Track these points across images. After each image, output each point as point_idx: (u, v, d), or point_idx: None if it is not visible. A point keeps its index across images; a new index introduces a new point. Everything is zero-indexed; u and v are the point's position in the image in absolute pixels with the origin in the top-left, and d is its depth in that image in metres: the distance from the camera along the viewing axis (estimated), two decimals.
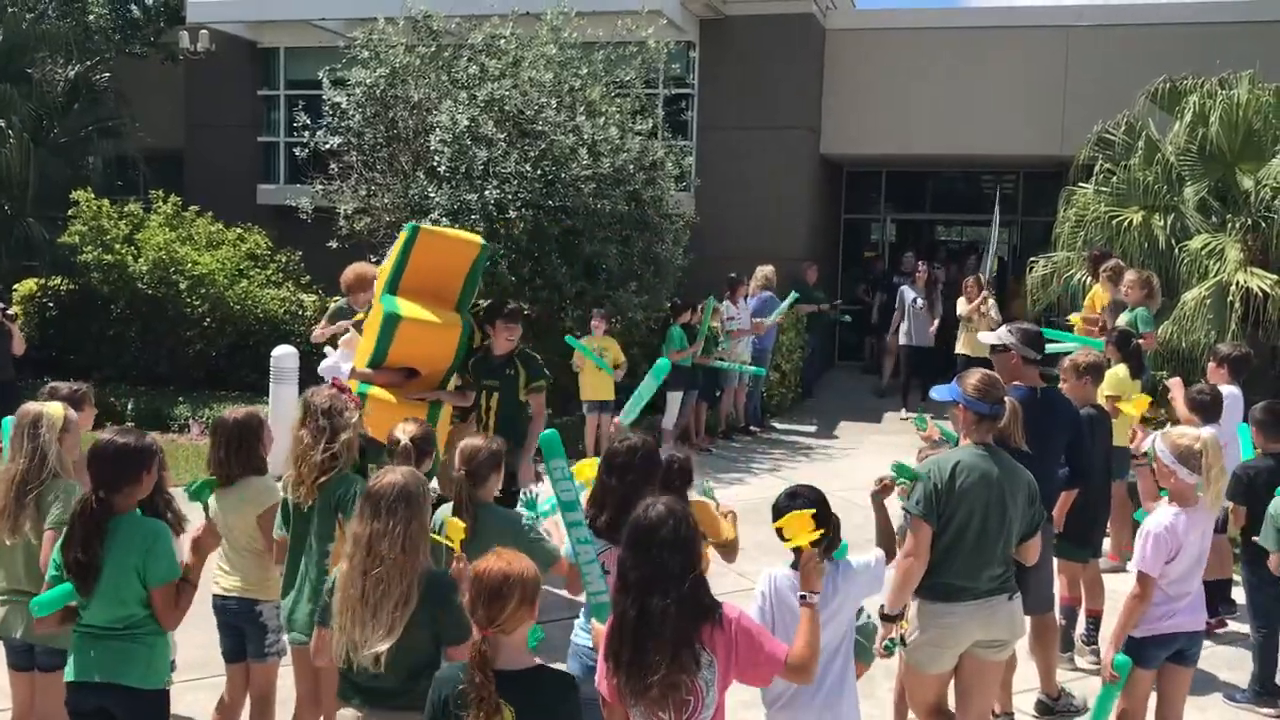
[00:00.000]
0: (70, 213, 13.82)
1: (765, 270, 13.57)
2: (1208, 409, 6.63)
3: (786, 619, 3.87)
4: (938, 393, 4.82)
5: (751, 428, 13.18)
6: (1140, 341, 8.32)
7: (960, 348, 13.31)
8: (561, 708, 3.22)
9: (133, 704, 4.03)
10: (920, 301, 14.49)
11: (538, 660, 3.30)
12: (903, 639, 4.52)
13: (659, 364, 7.16)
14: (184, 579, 4.12)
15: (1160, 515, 4.77)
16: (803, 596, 3.57)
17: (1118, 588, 7.14)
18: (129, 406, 12.74)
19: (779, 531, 3.80)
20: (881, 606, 4.66)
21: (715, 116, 15.98)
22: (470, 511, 4.29)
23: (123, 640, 4.01)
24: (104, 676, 3.99)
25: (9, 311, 10.84)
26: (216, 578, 4.94)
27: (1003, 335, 5.63)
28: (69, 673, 4.08)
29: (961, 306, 13.35)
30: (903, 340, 14.57)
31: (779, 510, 3.95)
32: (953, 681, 4.71)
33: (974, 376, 4.67)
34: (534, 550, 4.21)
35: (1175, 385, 7.28)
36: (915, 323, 14.44)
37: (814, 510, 3.72)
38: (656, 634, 3.25)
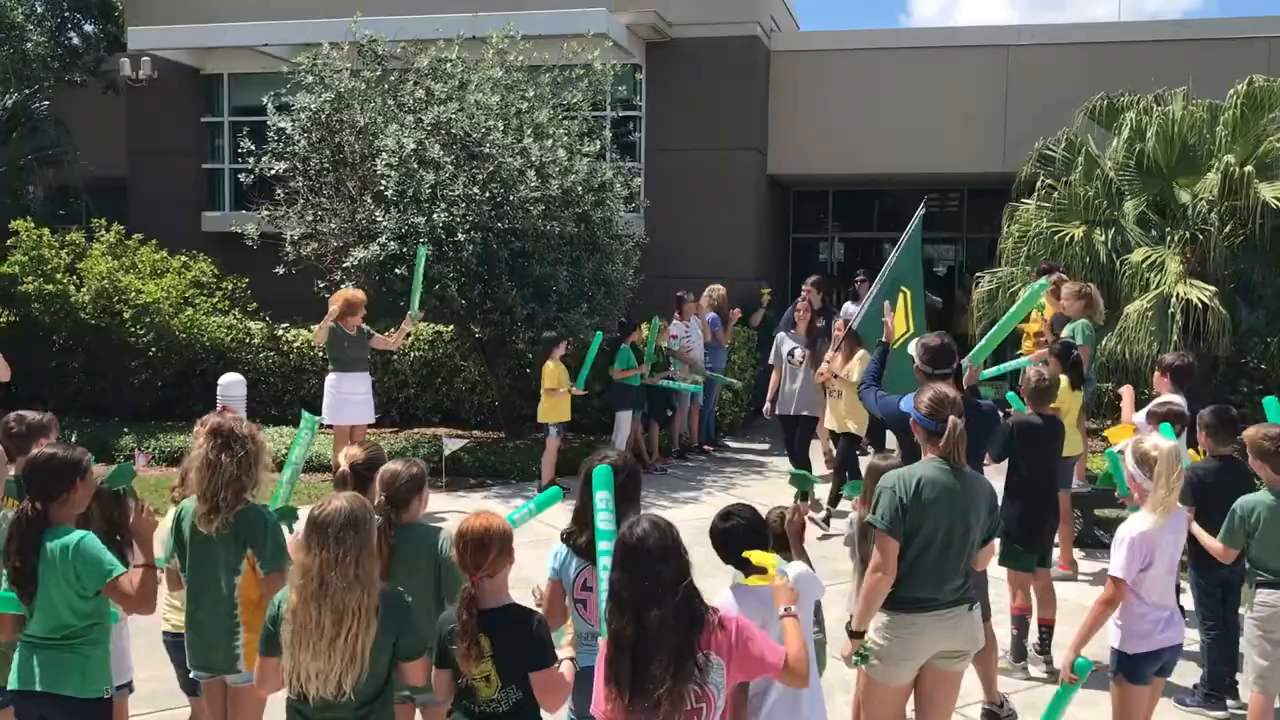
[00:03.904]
0: (10, 242, 13.60)
1: (716, 290, 13.63)
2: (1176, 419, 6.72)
3: (757, 621, 3.87)
4: (905, 404, 4.88)
5: (705, 446, 13.20)
6: (1078, 353, 8.48)
7: (827, 420, 9.94)
8: (532, 637, 3.62)
9: (71, 713, 4.06)
10: (799, 353, 10.38)
11: (512, 600, 3.73)
12: (867, 654, 4.51)
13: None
14: (138, 565, 4.14)
15: (1134, 521, 4.84)
16: (786, 610, 3.69)
17: (1068, 596, 7.24)
18: (73, 438, 12.45)
19: (745, 561, 3.92)
20: (848, 622, 4.67)
21: (662, 138, 16.06)
22: (391, 533, 4.25)
23: (60, 650, 4.07)
24: (43, 686, 4.05)
25: None
26: (166, 614, 4.82)
27: (911, 348, 5.86)
28: (11, 681, 4.13)
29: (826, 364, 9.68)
30: (779, 409, 10.61)
31: (717, 531, 4.10)
32: (912, 695, 4.72)
33: (929, 393, 4.70)
34: (448, 572, 4.21)
35: (1126, 394, 7.48)
36: (795, 383, 10.43)
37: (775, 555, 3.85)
38: (657, 647, 3.27)
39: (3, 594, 4.15)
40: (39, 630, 4.08)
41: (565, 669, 3.75)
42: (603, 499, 4.17)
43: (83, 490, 4.17)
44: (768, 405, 10.78)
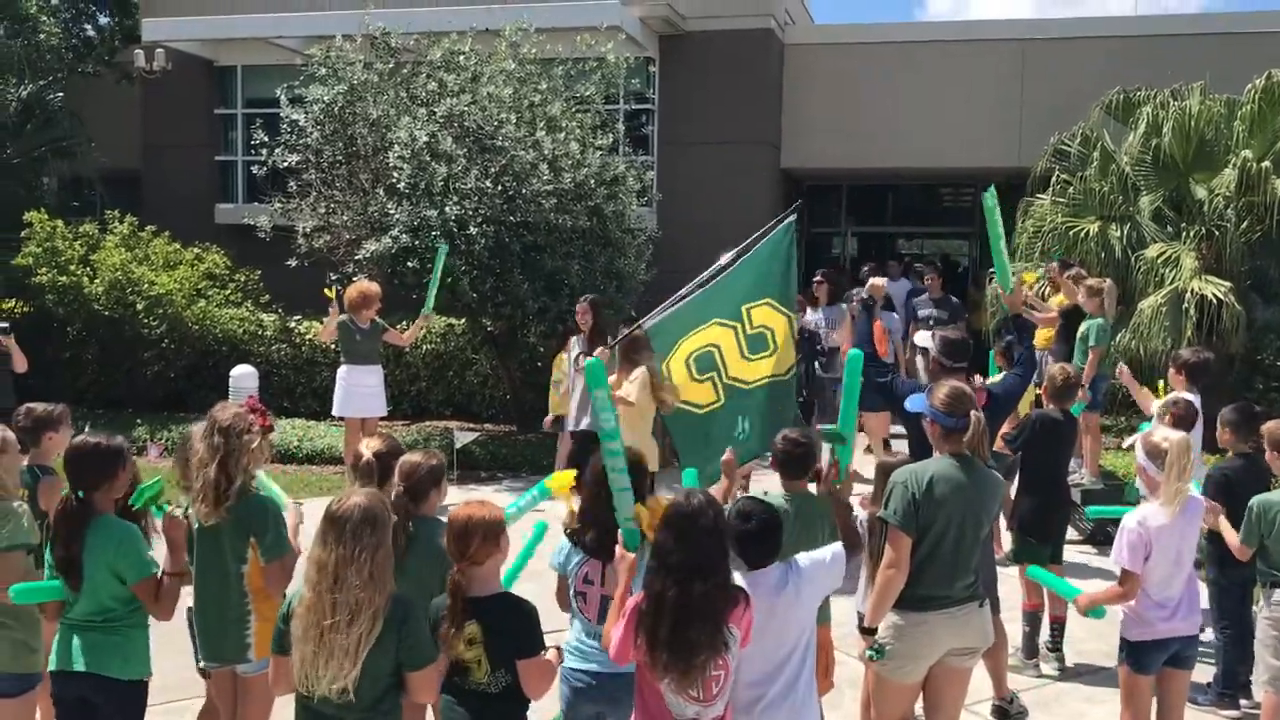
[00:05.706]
0: (23, 234, 13.64)
1: None
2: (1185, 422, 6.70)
3: (762, 611, 3.79)
4: (911, 403, 4.82)
5: None
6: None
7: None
8: (521, 624, 3.70)
9: (111, 693, 4.17)
10: (581, 360, 8.76)
11: (503, 589, 3.83)
12: (882, 648, 4.46)
13: None
14: (166, 573, 4.26)
15: (1136, 512, 4.85)
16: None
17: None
18: (86, 429, 12.51)
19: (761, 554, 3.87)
20: (860, 619, 4.62)
21: (676, 131, 16.00)
22: (407, 525, 4.22)
23: (102, 632, 4.19)
24: (85, 667, 4.15)
25: (3, 325, 10.12)
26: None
27: (926, 340, 5.82)
28: (52, 662, 4.25)
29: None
30: (571, 422, 9.20)
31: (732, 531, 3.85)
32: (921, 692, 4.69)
33: (943, 389, 4.60)
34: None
35: (1126, 376, 7.54)
36: (576, 393, 9.02)
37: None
38: (699, 617, 3.49)
39: (47, 583, 4.26)
40: (81, 613, 4.19)
41: (551, 655, 3.82)
42: (600, 397, 4.16)
43: (124, 478, 4.31)
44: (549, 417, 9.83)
